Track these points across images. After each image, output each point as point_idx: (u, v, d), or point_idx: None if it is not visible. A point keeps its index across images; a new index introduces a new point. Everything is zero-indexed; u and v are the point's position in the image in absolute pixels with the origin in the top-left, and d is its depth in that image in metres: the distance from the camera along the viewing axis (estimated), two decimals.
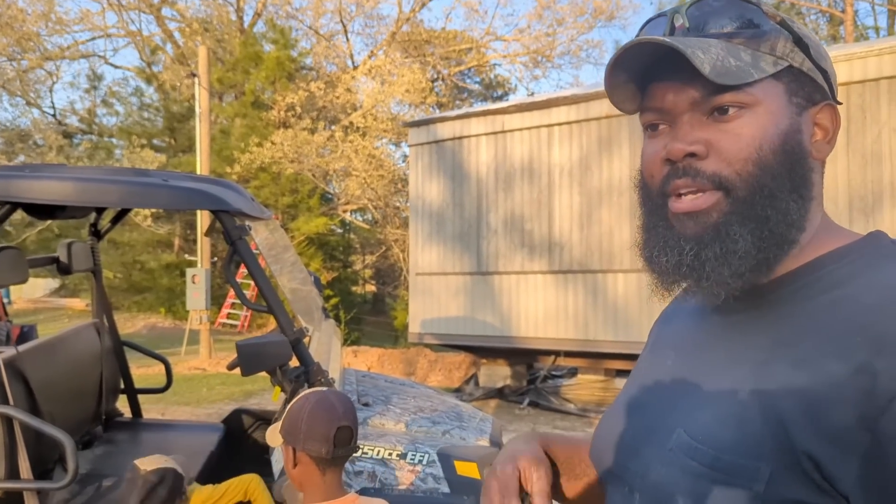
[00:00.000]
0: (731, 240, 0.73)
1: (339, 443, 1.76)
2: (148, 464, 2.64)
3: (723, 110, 0.74)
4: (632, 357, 8.10)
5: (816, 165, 0.78)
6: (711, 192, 0.74)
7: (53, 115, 25.61)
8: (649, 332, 0.99)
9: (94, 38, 25.14)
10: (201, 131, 14.10)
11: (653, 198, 0.80)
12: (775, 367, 0.70)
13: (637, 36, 0.83)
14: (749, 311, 0.77)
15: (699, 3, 0.76)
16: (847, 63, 6.61)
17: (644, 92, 0.80)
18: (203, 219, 13.53)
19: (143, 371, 10.16)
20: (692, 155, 0.75)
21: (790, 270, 0.76)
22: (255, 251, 2.91)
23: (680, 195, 0.76)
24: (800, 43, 0.76)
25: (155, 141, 24.88)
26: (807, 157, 0.76)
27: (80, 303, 23.82)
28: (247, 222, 2.95)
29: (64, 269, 3.60)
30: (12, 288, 20.37)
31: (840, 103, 0.79)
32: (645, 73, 0.79)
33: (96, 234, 3.95)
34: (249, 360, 2.63)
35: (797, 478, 0.65)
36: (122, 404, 4.10)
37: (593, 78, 34.80)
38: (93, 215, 3.85)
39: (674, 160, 0.76)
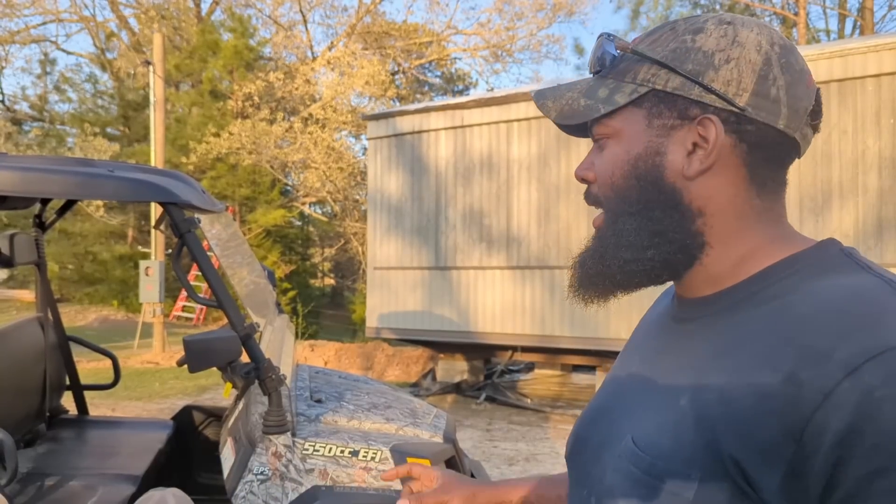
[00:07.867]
0: (607, 257, 0.80)
1: None
2: None
3: (598, 140, 0.83)
4: (588, 353, 8.19)
5: (699, 181, 0.76)
6: (602, 212, 0.83)
7: (2, 101, 24.91)
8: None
9: (45, 23, 24.53)
10: (156, 120, 13.84)
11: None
12: (712, 376, 0.71)
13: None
14: (699, 320, 0.79)
15: (593, 51, 0.84)
16: None
17: None
18: (157, 210, 13.29)
19: (94, 365, 9.94)
20: (587, 179, 0.85)
21: (739, 281, 0.77)
22: (205, 244, 2.84)
23: None
24: (665, 65, 0.75)
25: (109, 129, 24.32)
26: (663, 177, 0.77)
27: (29, 294, 23.15)
28: (197, 215, 2.88)
29: (6, 262, 3.47)
30: None
31: (742, 109, 0.74)
32: None
33: (41, 225, 3.82)
34: (197, 356, 2.56)
35: (725, 486, 0.66)
36: (69, 401, 4.00)
37: (553, 73, 35.07)
38: (37, 206, 3.73)
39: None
